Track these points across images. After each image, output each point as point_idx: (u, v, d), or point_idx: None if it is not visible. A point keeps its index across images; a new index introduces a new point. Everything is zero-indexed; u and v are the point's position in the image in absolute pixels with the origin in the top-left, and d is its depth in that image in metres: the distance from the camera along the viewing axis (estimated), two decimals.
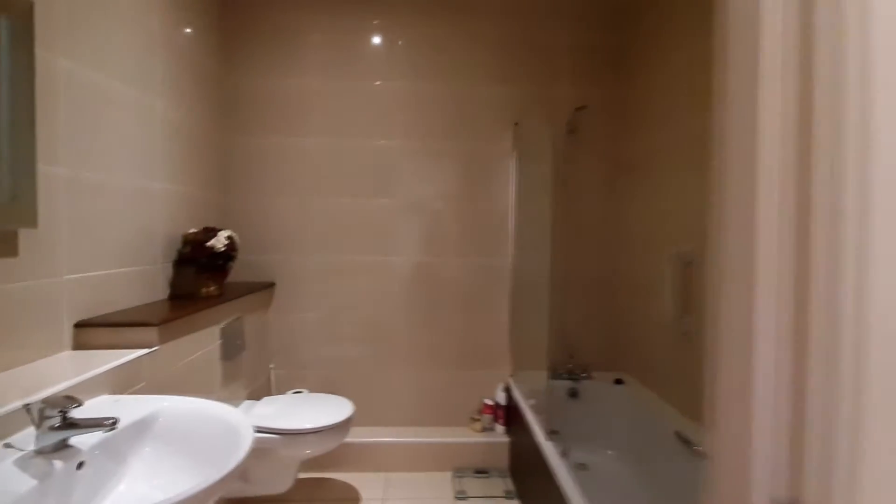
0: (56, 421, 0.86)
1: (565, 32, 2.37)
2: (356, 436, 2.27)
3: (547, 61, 2.37)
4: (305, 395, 2.12)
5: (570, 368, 2.38)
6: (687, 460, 1.69)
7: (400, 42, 2.34)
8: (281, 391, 2.27)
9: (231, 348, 1.83)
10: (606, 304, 2.44)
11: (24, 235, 1.11)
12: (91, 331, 1.30)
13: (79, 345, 1.29)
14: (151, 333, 1.33)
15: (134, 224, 1.57)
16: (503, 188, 2.38)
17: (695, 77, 1.86)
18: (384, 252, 2.37)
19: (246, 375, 2.04)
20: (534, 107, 2.37)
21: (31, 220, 1.10)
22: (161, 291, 1.75)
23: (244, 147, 2.32)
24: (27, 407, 0.88)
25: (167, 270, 1.79)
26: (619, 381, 2.33)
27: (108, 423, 0.87)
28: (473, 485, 2.16)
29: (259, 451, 1.82)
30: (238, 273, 2.30)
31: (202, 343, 1.64)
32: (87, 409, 0.99)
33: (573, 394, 2.33)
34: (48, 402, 0.86)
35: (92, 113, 1.35)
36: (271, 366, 2.36)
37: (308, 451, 1.84)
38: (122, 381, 1.22)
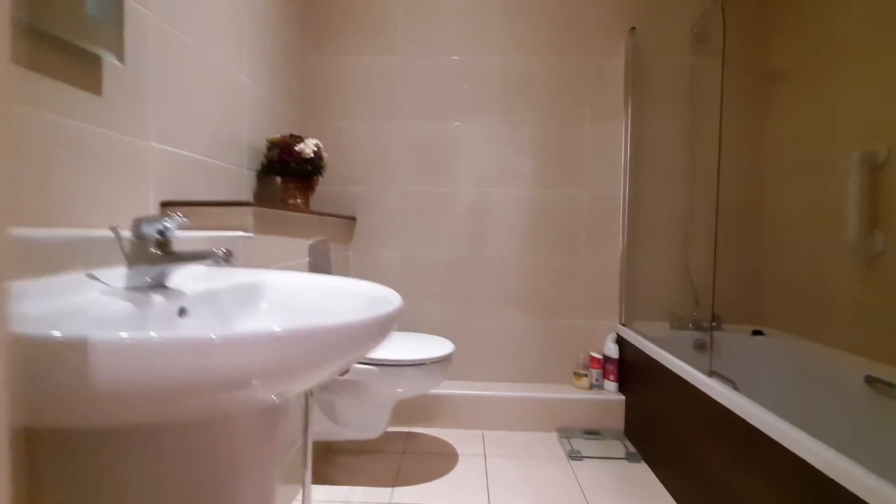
0: (152, 246, 0.64)
1: None
2: (446, 388, 2.02)
3: None
4: (401, 332, 1.88)
5: (695, 318, 2.02)
6: (891, 407, 1.32)
7: None
8: None
9: (318, 270, 1.61)
10: (741, 242, 2.05)
11: (109, 72, 0.91)
12: (179, 211, 1.10)
13: None
14: (246, 216, 1.12)
15: (220, 113, 1.37)
16: (614, 106, 2.05)
17: None
18: (474, 184, 2.10)
19: None
20: (652, 10, 2.03)
21: (117, 48, 0.90)
22: (245, 200, 1.55)
23: (319, 66, 2.11)
24: (114, 230, 0.66)
25: (251, 180, 1.59)
26: (757, 333, 1.95)
27: (219, 254, 0.63)
28: (585, 446, 1.84)
29: (352, 386, 1.59)
30: (317, 206, 2.11)
31: (291, 254, 1.42)
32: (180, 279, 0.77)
33: (700, 346, 1.97)
34: (144, 219, 0.64)
35: None
36: None
37: (401, 390, 1.60)
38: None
